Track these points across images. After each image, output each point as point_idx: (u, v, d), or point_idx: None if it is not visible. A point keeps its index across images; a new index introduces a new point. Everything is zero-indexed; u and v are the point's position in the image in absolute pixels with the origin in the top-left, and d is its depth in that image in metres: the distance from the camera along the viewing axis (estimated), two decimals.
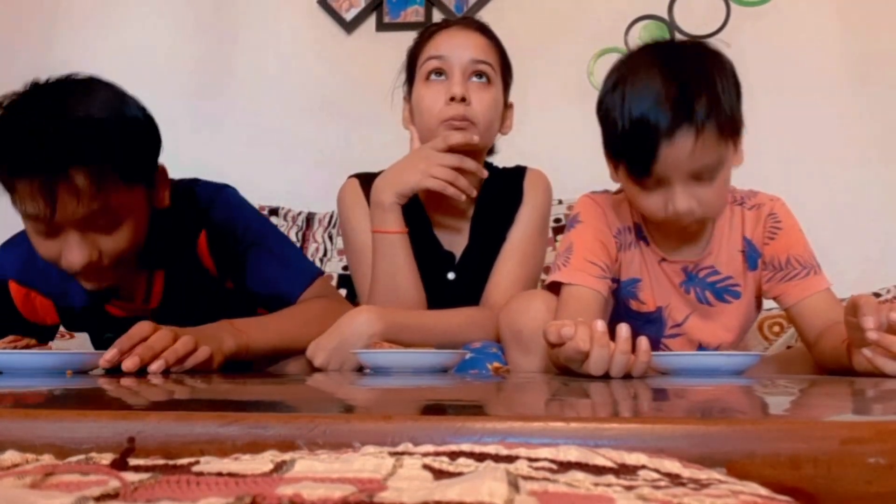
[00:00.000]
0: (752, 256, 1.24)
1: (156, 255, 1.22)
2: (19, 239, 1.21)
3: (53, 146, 0.99)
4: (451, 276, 1.43)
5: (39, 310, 1.31)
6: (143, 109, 1.12)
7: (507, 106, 1.43)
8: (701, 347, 1.27)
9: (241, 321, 1.15)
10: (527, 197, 1.43)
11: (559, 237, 2.12)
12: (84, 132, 1.00)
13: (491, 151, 1.47)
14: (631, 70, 1.09)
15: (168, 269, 1.26)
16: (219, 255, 1.26)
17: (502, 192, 1.43)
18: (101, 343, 1.33)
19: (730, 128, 1.07)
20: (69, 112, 1.01)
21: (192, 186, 1.28)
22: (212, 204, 1.26)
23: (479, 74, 1.34)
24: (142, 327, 0.98)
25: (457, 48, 1.34)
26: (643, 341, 0.88)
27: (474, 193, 1.33)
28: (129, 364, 0.93)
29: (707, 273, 1.24)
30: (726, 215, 1.24)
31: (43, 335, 1.36)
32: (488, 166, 1.47)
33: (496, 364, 1.14)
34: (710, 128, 1.04)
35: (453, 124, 1.32)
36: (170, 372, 0.96)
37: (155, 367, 0.94)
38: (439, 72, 1.34)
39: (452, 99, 1.31)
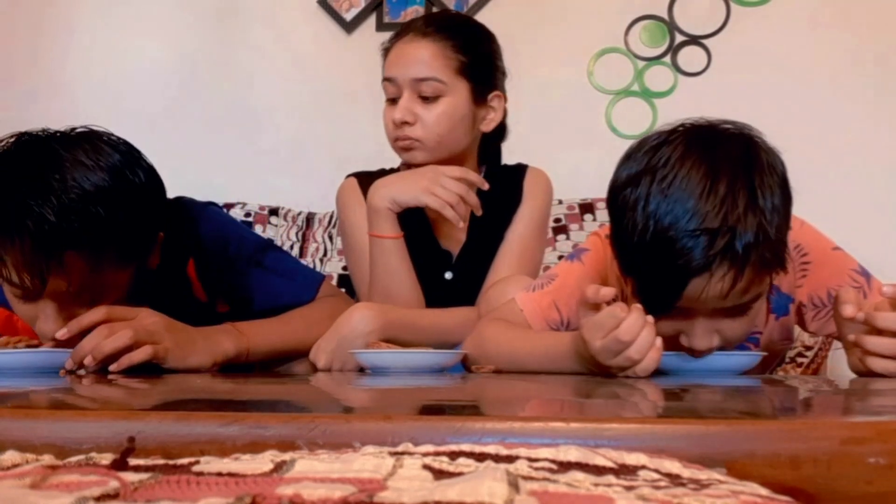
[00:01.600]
0: (779, 303, 1.09)
1: (142, 293, 1.16)
2: None
3: (50, 227, 0.92)
4: (448, 275, 1.43)
5: (22, 333, 1.27)
6: (148, 170, 1.05)
7: (485, 102, 1.39)
8: None
9: (244, 324, 1.14)
10: (527, 196, 1.42)
11: (559, 237, 2.13)
12: (84, 215, 0.94)
13: (501, 137, 1.46)
14: (660, 164, 0.88)
15: (153, 303, 1.19)
16: (209, 279, 1.21)
17: (502, 190, 1.43)
18: None
19: (775, 259, 0.88)
20: (69, 189, 0.94)
21: (174, 208, 1.20)
22: (197, 227, 1.20)
23: (424, 93, 1.34)
24: (91, 315, 0.96)
25: (403, 67, 1.34)
26: (659, 340, 0.85)
27: (461, 224, 1.31)
28: (67, 366, 0.94)
29: None
30: None
31: None
32: (490, 165, 1.47)
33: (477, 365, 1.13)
34: (753, 262, 0.85)
35: (398, 145, 1.36)
36: (107, 371, 0.94)
37: (87, 361, 0.93)
38: (392, 94, 1.37)
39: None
